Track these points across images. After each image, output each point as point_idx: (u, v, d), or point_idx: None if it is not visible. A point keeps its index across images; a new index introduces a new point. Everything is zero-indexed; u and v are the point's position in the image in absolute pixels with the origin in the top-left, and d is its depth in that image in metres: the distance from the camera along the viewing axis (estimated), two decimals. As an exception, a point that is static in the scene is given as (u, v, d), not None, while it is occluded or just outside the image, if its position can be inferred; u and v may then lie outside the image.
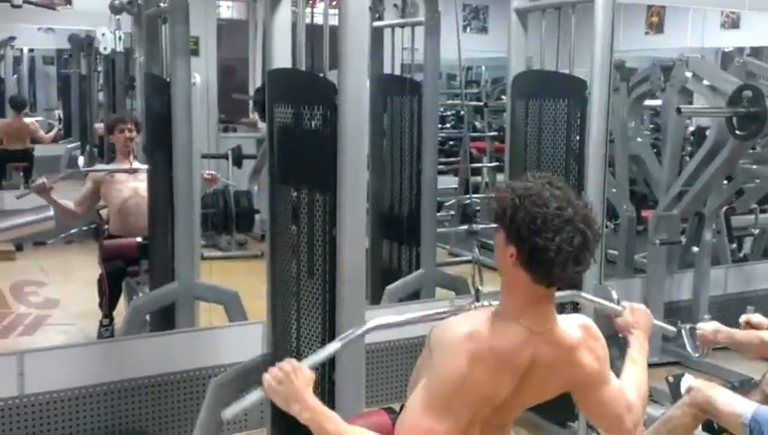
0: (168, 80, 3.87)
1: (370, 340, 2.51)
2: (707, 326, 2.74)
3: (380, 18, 4.80)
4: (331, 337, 2.44)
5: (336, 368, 2.49)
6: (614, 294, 3.27)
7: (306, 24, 2.79)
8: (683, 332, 2.67)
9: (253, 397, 1.74)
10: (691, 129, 6.69)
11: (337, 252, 2.46)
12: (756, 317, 2.64)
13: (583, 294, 2.17)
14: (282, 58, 2.79)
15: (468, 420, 1.62)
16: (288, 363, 1.65)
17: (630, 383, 1.85)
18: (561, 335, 1.70)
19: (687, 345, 2.66)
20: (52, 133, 8.77)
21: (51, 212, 6.03)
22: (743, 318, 2.67)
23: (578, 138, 3.38)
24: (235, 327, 3.70)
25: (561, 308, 2.43)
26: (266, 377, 1.65)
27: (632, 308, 2.03)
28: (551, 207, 1.56)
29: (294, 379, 1.62)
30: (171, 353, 3.50)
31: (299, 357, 2.70)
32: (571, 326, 1.74)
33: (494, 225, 1.64)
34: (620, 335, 2.18)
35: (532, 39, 3.83)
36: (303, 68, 2.77)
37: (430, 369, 1.61)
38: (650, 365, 4.46)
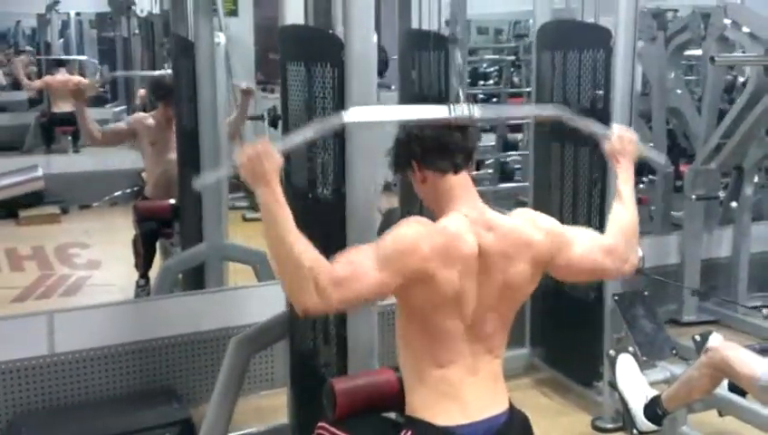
0: (192, 41, 3.87)
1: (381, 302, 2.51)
2: None
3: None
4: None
5: (347, 326, 2.49)
6: (639, 252, 3.19)
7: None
8: None
9: (225, 169, 1.92)
10: (741, 79, 6.45)
11: (347, 213, 2.43)
12: None
13: (569, 114, 2.18)
14: (295, 14, 2.76)
15: (440, 330, 1.74)
16: (261, 144, 1.70)
17: (613, 222, 1.95)
18: (501, 220, 1.82)
19: None
20: (97, 77, 8.76)
21: (38, 172, 6.14)
22: None
23: (602, 90, 3.27)
24: (261, 287, 3.73)
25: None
26: (241, 153, 1.70)
27: (621, 135, 2.08)
28: (424, 131, 1.85)
29: (264, 160, 1.67)
30: (198, 313, 3.55)
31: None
32: (514, 215, 1.87)
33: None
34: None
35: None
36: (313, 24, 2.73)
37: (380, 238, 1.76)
38: (687, 324, 4.48)
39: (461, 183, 1.83)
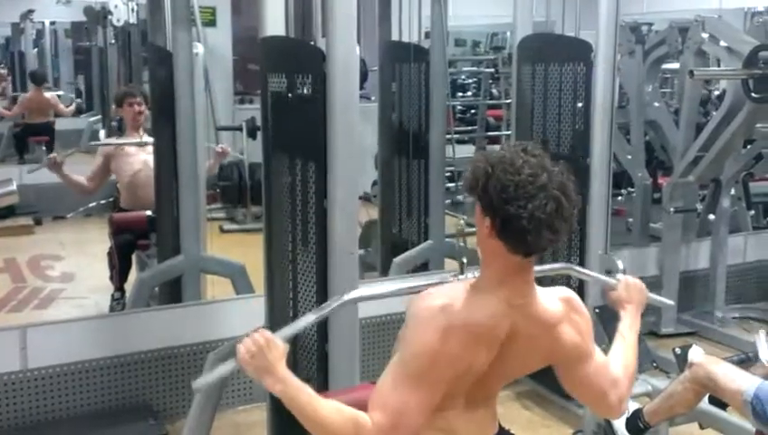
0: (170, 51, 3.83)
1: (364, 314, 2.49)
2: None
3: (387, -16, 4.71)
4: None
5: (329, 341, 2.46)
6: (619, 265, 3.20)
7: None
8: (759, 337, 2.51)
9: (226, 368, 1.73)
10: (716, 93, 6.52)
11: (328, 222, 2.42)
12: None
13: (576, 267, 2.11)
14: (276, 25, 2.73)
15: (445, 394, 1.59)
16: (261, 336, 1.61)
17: (618, 359, 1.81)
18: (542, 309, 1.65)
19: (761, 351, 2.51)
20: (72, 107, 8.82)
21: (12, 187, 6.10)
22: None
23: (582, 103, 3.28)
24: (239, 300, 3.70)
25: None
26: (240, 348, 1.61)
27: (627, 283, 1.97)
28: (523, 174, 1.51)
29: (267, 352, 1.58)
30: (174, 327, 3.50)
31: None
32: (552, 300, 1.68)
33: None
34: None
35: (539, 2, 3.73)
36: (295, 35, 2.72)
37: (404, 342, 1.59)
38: (665, 336, 4.49)
39: (523, 267, 1.60)
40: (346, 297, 1.88)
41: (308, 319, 1.79)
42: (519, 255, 1.56)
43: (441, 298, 1.58)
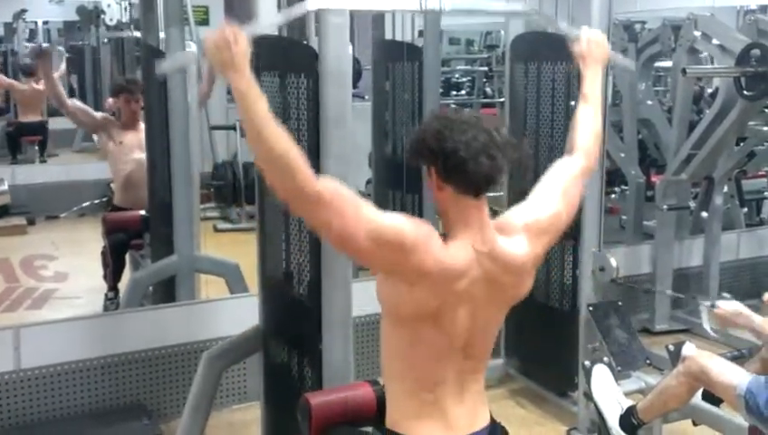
0: (163, 50, 3.82)
1: (358, 313, 2.49)
2: (728, 307, 2.64)
3: (381, -18, 4.70)
4: (318, 309, 2.42)
5: (323, 339, 2.45)
6: (613, 262, 3.22)
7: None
8: (702, 310, 2.58)
9: (188, 56, 1.76)
10: (710, 90, 6.54)
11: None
12: None
13: (540, 12, 2.15)
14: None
15: (424, 339, 1.66)
16: (229, 29, 1.58)
17: (583, 126, 1.94)
18: (507, 252, 1.69)
19: (705, 324, 2.57)
20: (63, 67, 8.48)
21: (4, 187, 6.09)
22: (766, 297, 2.56)
23: (575, 102, 3.28)
24: (233, 300, 3.69)
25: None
26: (207, 39, 1.59)
27: (589, 38, 2.03)
28: (455, 121, 1.66)
29: (233, 45, 1.56)
30: (168, 327, 3.49)
31: (291, 327, 2.69)
32: (515, 241, 1.72)
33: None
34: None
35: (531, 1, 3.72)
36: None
37: None
38: (659, 333, 4.51)
39: (477, 208, 1.66)
40: (308, 6, 1.88)
41: (274, 18, 1.79)
42: (469, 194, 1.64)
43: (426, 227, 1.66)
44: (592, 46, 2.02)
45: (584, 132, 1.94)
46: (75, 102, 4.48)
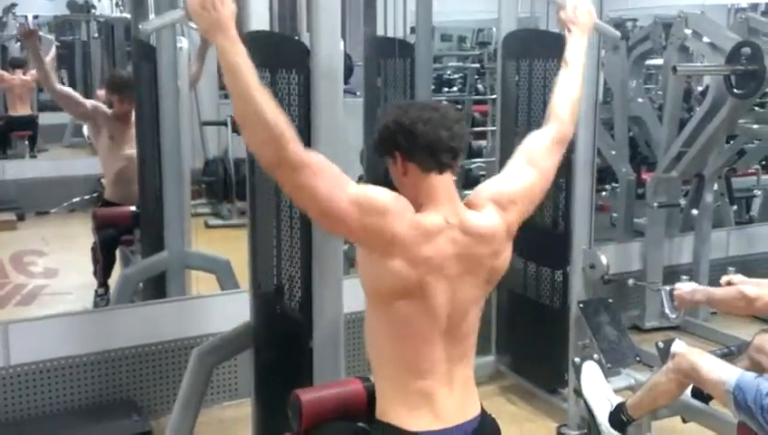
0: (154, 45, 3.81)
1: (349, 310, 2.49)
2: (685, 287, 2.70)
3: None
4: (309, 305, 2.42)
5: (313, 335, 2.45)
6: (603, 260, 3.23)
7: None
8: (662, 293, 2.64)
9: (173, 15, 1.76)
10: (700, 88, 6.56)
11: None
12: (737, 277, 2.58)
13: None
14: (260, 19, 2.72)
15: (411, 323, 1.69)
16: None
17: (563, 93, 1.97)
18: (478, 222, 1.74)
19: (666, 307, 2.62)
20: (53, 52, 8.38)
21: None
22: (723, 279, 2.61)
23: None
24: (224, 296, 3.68)
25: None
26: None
27: (574, 5, 2.08)
28: (410, 105, 1.79)
29: (219, 5, 1.57)
30: (158, 323, 3.49)
31: (282, 323, 2.68)
32: (485, 214, 1.77)
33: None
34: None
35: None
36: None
37: None
38: (649, 330, 4.52)
39: (443, 183, 1.73)
40: None
41: None
42: (433, 169, 1.71)
43: (399, 196, 1.71)
44: (578, 13, 2.06)
45: (561, 99, 1.98)
46: (64, 87, 4.44)
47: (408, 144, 1.70)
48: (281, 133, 1.57)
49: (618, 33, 2.39)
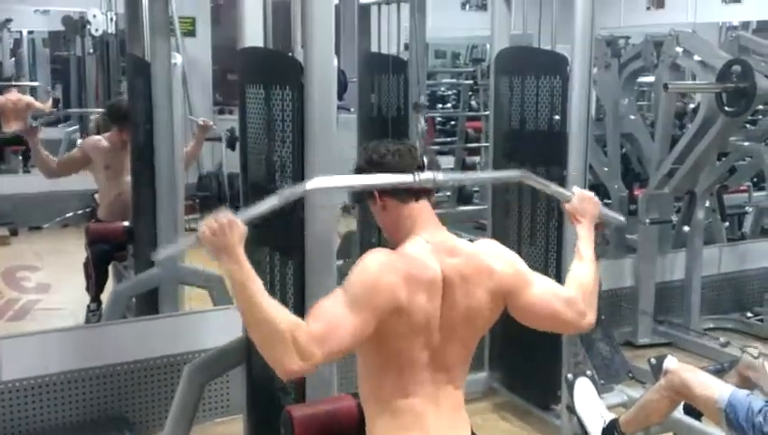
0: (149, 61, 3.82)
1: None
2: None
3: (368, -5, 4.73)
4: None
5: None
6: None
7: (277, 0, 2.73)
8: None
9: (186, 241, 1.83)
10: (692, 106, 6.60)
11: (306, 232, 2.41)
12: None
13: (531, 175, 2.15)
14: (254, 36, 2.73)
15: (405, 359, 1.72)
16: (224, 216, 1.63)
17: (573, 280, 1.93)
18: (464, 246, 1.81)
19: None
20: (49, 103, 8.54)
21: None
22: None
23: (559, 115, 3.32)
24: (217, 312, 3.68)
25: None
26: (202, 226, 1.64)
27: (581, 195, 2.08)
28: (373, 146, 1.89)
29: (228, 232, 1.61)
30: (151, 339, 3.48)
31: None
32: (473, 244, 1.86)
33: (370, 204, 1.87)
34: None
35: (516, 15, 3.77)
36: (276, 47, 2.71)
37: (348, 277, 1.71)
38: (641, 346, 4.52)
39: (422, 210, 1.81)
40: (308, 186, 1.92)
41: (271, 201, 1.78)
42: (410, 198, 1.80)
43: (383, 251, 1.77)
44: (584, 203, 2.04)
45: (573, 284, 1.91)
46: (62, 162, 4.47)
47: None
48: (293, 338, 1.58)
49: (621, 216, 2.41)
